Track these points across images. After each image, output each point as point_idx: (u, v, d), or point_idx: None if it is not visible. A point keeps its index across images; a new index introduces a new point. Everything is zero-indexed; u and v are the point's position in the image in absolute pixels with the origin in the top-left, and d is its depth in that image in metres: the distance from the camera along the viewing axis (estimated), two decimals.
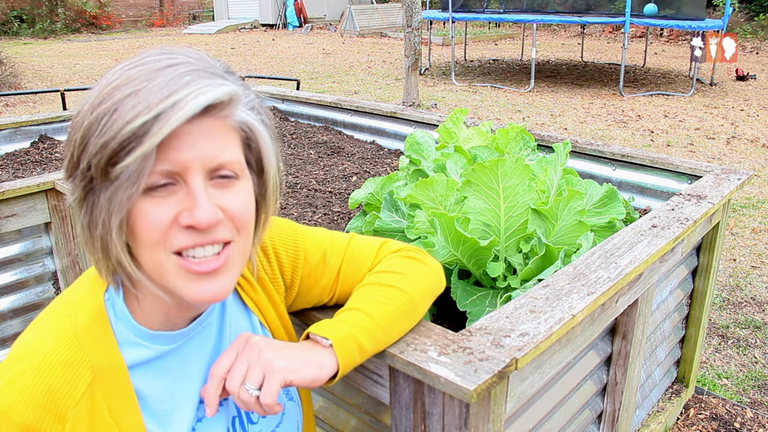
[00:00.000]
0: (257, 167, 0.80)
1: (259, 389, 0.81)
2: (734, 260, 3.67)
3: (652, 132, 6.60)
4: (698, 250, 2.04)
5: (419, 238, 1.57)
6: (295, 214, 2.09)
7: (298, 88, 4.16)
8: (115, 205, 0.69)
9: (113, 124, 0.67)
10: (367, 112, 3.08)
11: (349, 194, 2.22)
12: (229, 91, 0.72)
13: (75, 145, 0.70)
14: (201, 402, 0.89)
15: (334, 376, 0.88)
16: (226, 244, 0.76)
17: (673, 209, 1.66)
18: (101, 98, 0.69)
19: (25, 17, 18.23)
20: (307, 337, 0.92)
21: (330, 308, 1.10)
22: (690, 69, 9.96)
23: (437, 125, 2.63)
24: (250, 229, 0.79)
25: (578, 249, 1.54)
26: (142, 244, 0.73)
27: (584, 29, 12.96)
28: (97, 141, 0.68)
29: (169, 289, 0.76)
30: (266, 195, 0.82)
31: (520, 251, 1.57)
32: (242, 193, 0.76)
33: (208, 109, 0.71)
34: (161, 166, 0.69)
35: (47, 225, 2.17)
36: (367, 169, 2.56)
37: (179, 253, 0.73)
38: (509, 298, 1.41)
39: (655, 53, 12.85)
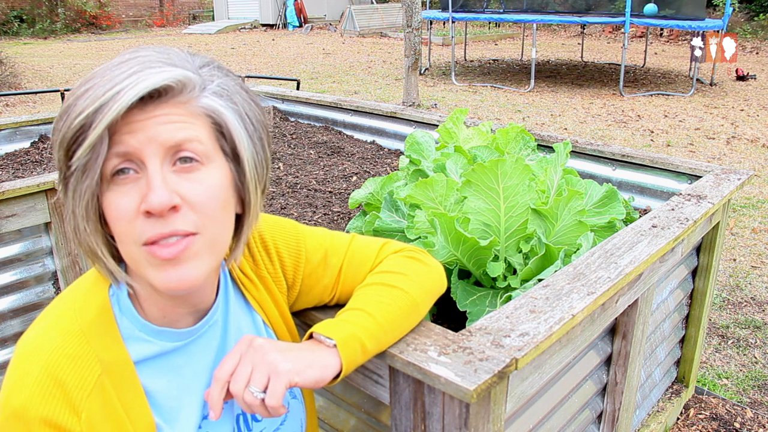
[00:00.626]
0: (233, 154, 0.79)
1: (264, 392, 0.81)
2: (734, 260, 3.67)
3: (652, 132, 6.61)
4: (698, 250, 2.04)
5: (419, 238, 1.57)
6: (295, 214, 2.09)
7: (298, 88, 4.16)
8: (78, 195, 0.72)
9: (68, 118, 0.70)
10: (367, 112, 3.08)
11: (349, 194, 2.22)
12: (176, 76, 0.72)
13: (51, 144, 0.74)
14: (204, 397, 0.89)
15: (337, 376, 0.88)
16: (190, 235, 0.75)
17: (673, 209, 1.66)
18: (68, 98, 0.73)
19: (25, 17, 18.23)
20: (310, 337, 0.92)
21: (331, 308, 1.10)
22: (690, 69, 9.96)
23: (437, 125, 2.63)
24: (218, 221, 0.77)
25: (578, 249, 1.54)
26: (116, 237, 0.75)
27: (584, 29, 12.96)
28: (58, 137, 0.72)
29: (143, 279, 0.77)
30: (245, 182, 0.81)
31: (520, 251, 1.57)
32: (206, 180, 0.75)
33: (160, 95, 0.72)
34: (116, 149, 0.71)
35: (47, 225, 2.17)
36: (367, 169, 2.56)
37: (148, 245, 0.74)
38: (509, 298, 1.41)
39: (655, 53, 12.85)
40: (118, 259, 0.79)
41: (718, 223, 1.96)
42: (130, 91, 0.68)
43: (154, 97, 0.71)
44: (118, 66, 0.71)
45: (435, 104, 8.02)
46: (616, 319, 1.53)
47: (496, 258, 1.56)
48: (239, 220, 0.84)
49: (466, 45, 12.94)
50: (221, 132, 0.78)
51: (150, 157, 0.72)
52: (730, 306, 3.16)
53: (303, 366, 0.84)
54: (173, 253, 0.73)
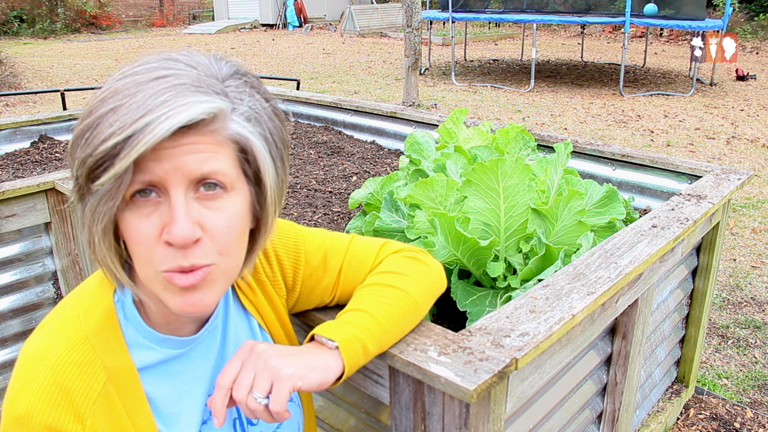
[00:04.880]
0: (255, 178, 0.78)
1: (267, 397, 0.80)
2: (734, 260, 3.67)
3: (652, 132, 6.61)
4: (698, 250, 2.04)
5: (419, 238, 1.57)
6: (295, 214, 2.09)
7: (298, 88, 4.16)
8: (97, 216, 0.71)
9: (93, 140, 0.68)
10: (367, 112, 3.08)
11: (349, 194, 2.22)
12: (209, 109, 0.69)
13: (68, 154, 0.72)
14: (206, 405, 0.89)
15: (340, 378, 0.88)
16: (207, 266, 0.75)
17: (673, 209, 1.66)
18: (90, 109, 0.70)
19: (25, 17, 18.23)
20: (311, 339, 0.92)
21: (331, 309, 1.10)
22: (690, 69, 9.96)
23: (437, 125, 2.63)
24: (234, 251, 0.77)
25: (578, 249, 1.54)
26: (134, 258, 0.74)
27: (584, 29, 12.96)
28: (79, 155, 0.69)
29: (158, 298, 0.77)
30: (265, 205, 0.80)
31: (520, 251, 1.57)
32: (228, 209, 0.74)
33: (190, 126, 0.69)
34: (141, 176, 0.69)
35: (47, 225, 2.17)
36: (367, 169, 2.56)
37: (167, 272, 0.73)
38: (509, 298, 1.41)
39: (655, 53, 12.85)
40: (125, 263, 0.79)
41: (718, 223, 1.96)
42: (162, 124, 0.66)
43: (184, 127, 0.69)
44: (147, 85, 0.68)
45: (435, 104, 8.02)
46: (616, 319, 1.53)
47: (496, 258, 1.56)
48: (252, 234, 0.83)
49: (466, 45, 12.94)
50: (246, 158, 0.76)
51: (174, 186, 0.70)
52: (730, 306, 3.16)
53: (306, 370, 0.84)
54: (191, 282, 0.74)
